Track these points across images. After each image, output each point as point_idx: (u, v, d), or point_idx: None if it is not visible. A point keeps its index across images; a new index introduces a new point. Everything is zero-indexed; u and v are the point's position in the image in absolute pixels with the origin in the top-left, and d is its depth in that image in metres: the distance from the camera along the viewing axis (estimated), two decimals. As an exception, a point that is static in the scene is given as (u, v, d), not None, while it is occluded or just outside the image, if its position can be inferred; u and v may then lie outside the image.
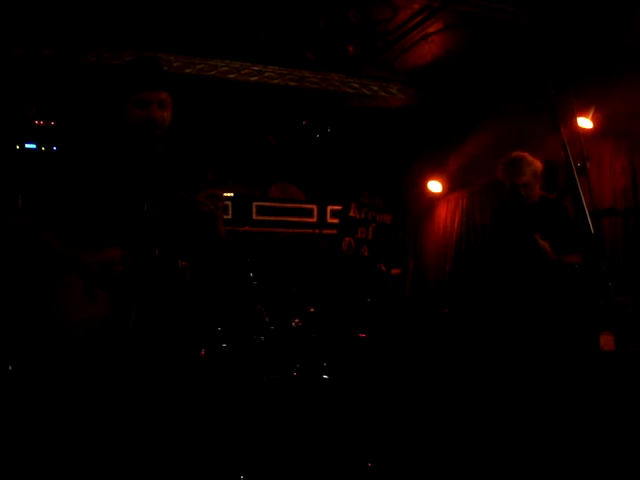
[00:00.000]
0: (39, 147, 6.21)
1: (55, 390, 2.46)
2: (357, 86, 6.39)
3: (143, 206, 2.53)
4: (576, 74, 4.58)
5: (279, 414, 4.22)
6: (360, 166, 7.66)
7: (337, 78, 6.29)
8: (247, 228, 7.15)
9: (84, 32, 5.20)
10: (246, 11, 4.96)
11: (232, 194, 7.03)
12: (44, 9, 4.81)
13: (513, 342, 4.26)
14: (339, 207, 7.59)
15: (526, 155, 4.29)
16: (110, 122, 2.59)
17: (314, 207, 7.58)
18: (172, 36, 5.36)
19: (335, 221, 7.59)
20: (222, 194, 2.56)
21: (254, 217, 7.27)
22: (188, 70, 5.75)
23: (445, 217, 7.39)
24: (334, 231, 7.52)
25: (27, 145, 6.18)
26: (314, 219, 7.55)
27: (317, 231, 7.27)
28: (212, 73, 5.87)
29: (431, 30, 5.22)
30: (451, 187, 7.20)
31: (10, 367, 4.29)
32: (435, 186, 7.28)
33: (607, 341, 3.91)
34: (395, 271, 7.56)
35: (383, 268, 7.47)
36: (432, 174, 7.25)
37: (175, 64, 5.67)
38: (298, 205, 7.59)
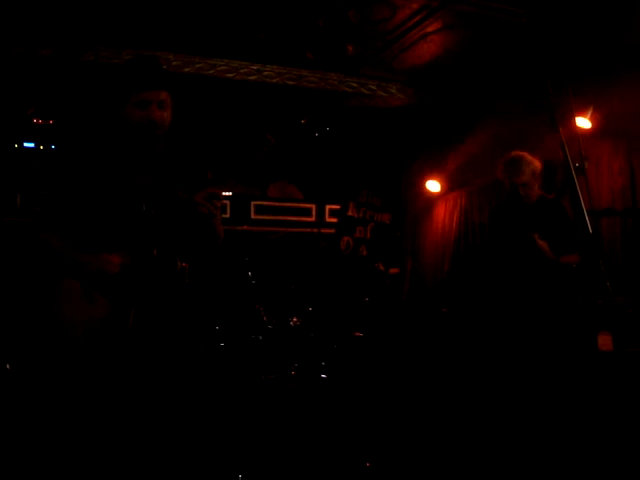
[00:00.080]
0: (37, 146, 6.21)
1: (55, 390, 2.46)
2: (356, 85, 6.39)
3: (142, 206, 2.53)
4: (575, 74, 4.58)
5: (277, 413, 4.22)
6: (359, 165, 7.66)
7: (336, 77, 6.29)
8: (245, 227, 7.15)
9: (82, 31, 5.19)
10: (245, 10, 4.96)
11: (230, 193, 7.02)
12: (42, 8, 4.81)
13: (511, 342, 4.26)
14: (337, 206, 7.59)
15: (525, 154, 4.30)
16: (109, 122, 2.58)
17: (312, 206, 7.57)
18: (171, 35, 5.35)
19: (333, 220, 7.59)
20: (221, 193, 2.56)
21: (252, 216, 7.26)
22: (187, 69, 5.75)
23: (443, 217, 7.39)
24: (332, 230, 7.52)
25: (25, 144, 6.18)
26: (312, 218, 7.54)
27: (315, 230, 7.26)
28: (211, 72, 5.87)
29: (430, 30, 5.21)
30: (450, 187, 7.21)
31: (8, 366, 4.29)
32: (434, 185, 7.28)
33: (605, 341, 3.91)
34: (393, 270, 7.56)
35: (381, 267, 7.47)
36: (431, 173, 7.25)
37: (174, 63, 5.66)
38: (296, 204, 7.58)
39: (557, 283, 4.25)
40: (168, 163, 2.64)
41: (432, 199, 7.51)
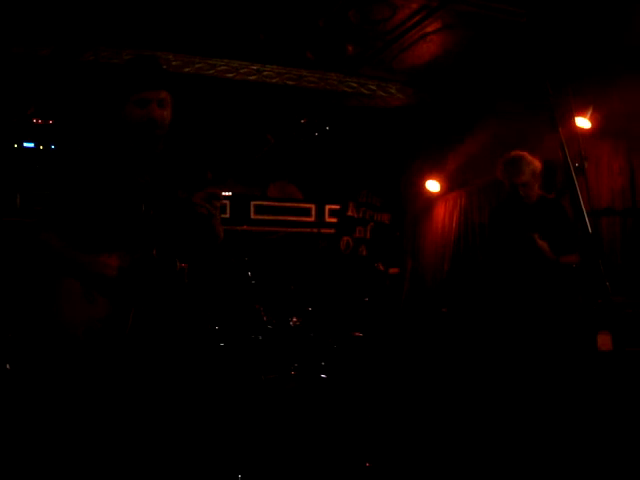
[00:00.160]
0: (37, 146, 6.21)
1: (55, 389, 2.46)
2: (355, 85, 6.39)
3: (141, 206, 2.53)
4: (574, 74, 4.58)
5: (277, 413, 4.22)
6: (358, 165, 7.66)
7: (335, 77, 6.29)
8: (245, 227, 7.15)
9: (82, 31, 5.20)
10: (245, 10, 4.96)
11: (230, 193, 7.02)
12: (42, 8, 4.81)
13: (511, 342, 4.26)
14: (337, 206, 7.59)
15: (525, 154, 4.30)
16: (110, 121, 2.58)
17: (312, 206, 7.57)
18: (171, 35, 5.35)
19: (333, 220, 7.59)
20: (220, 193, 2.56)
21: (252, 216, 7.26)
22: (187, 69, 5.75)
23: (443, 217, 7.39)
24: (332, 230, 7.52)
25: (25, 144, 6.18)
26: (312, 218, 7.54)
27: (315, 230, 7.26)
28: (211, 72, 5.87)
29: (430, 30, 5.21)
30: (449, 187, 7.21)
31: (8, 366, 4.29)
32: (433, 185, 7.29)
33: (605, 341, 3.92)
34: (393, 270, 7.56)
35: (381, 267, 7.47)
36: (430, 173, 7.25)
37: (174, 63, 5.66)
38: (296, 204, 7.58)
39: (557, 283, 4.25)
40: (168, 163, 2.64)
41: (432, 199, 7.51)
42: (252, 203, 7.28)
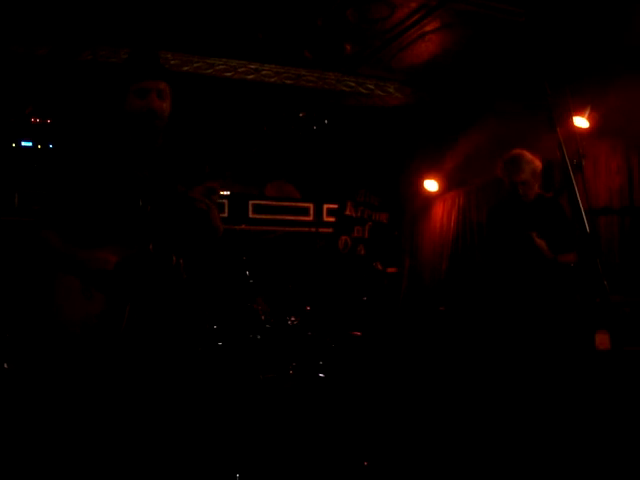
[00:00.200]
0: (35, 145, 6.20)
1: (53, 386, 2.46)
2: (353, 85, 6.39)
3: (139, 201, 2.53)
4: (572, 73, 4.58)
5: (275, 413, 4.21)
6: (356, 165, 7.66)
7: (333, 77, 6.29)
8: (243, 226, 7.15)
9: (80, 30, 5.19)
10: (244, 10, 4.96)
11: (228, 192, 7.02)
12: (40, 7, 4.80)
13: (509, 340, 4.27)
14: (335, 206, 7.59)
15: (526, 153, 4.29)
16: (111, 115, 2.60)
17: (310, 205, 7.57)
18: (170, 34, 5.35)
19: (331, 220, 7.59)
20: (219, 187, 2.57)
21: (250, 215, 7.27)
22: (185, 68, 5.75)
23: (441, 216, 7.39)
24: (330, 230, 7.53)
25: (23, 143, 6.17)
26: (310, 218, 7.54)
27: (313, 230, 7.25)
28: (209, 71, 5.87)
29: (428, 29, 5.21)
30: (447, 186, 7.21)
31: (5, 365, 4.28)
32: (431, 185, 7.29)
33: (603, 340, 3.92)
34: (391, 270, 7.57)
35: (379, 267, 7.48)
36: (428, 173, 7.25)
37: (172, 62, 5.67)
38: (294, 204, 7.58)
39: (555, 282, 4.25)
40: (167, 158, 2.64)
41: (430, 198, 7.51)
42: (250, 202, 7.28)
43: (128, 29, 5.20)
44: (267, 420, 4.14)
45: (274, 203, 7.46)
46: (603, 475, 3.39)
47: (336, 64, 6.11)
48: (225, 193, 6.89)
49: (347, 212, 7.58)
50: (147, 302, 2.51)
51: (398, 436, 4.43)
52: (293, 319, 5.29)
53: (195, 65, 5.80)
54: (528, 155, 4.28)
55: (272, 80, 6.09)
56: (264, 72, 6.05)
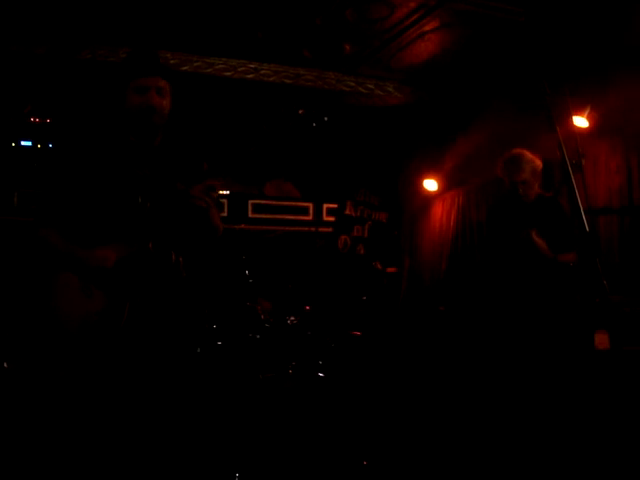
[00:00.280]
0: (34, 144, 6.20)
1: (52, 384, 2.46)
2: (353, 84, 6.39)
3: (138, 198, 2.54)
4: (572, 73, 4.58)
5: (274, 412, 4.22)
6: (356, 164, 7.66)
7: (333, 76, 6.29)
8: (243, 226, 7.15)
9: (79, 29, 5.19)
10: (243, 9, 4.95)
11: (228, 192, 7.02)
12: (39, 6, 4.80)
13: (509, 340, 4.27)
14: (335, 205, 7.60)
15: (526, 152, 4.29)
16: (110, 113, 2.60)
17: (310, 205, 7.58)
18: (169, 33, 5.35)
19: (331, 219, 7.60)
20: (218, 185, 2.57)
21: (250, 215, 7.27)
22: (185, 67, 5.75)
23: (441, 215, 7.39)
24: (330, 229, 7.53)
25: (22, 142, 6.18)
26: (310, 217, 7.54)
27: (313, 229, 7.26)
28: (209, 71, 5.87)
29: (427, 28, 5.21)
30: (447, 185, 7.21)
31: (5, 364, 4.28)
32: (431, 184, 7.28)
33: (602, 340, 3.92)
34: (391, 269, 7.57)
35: (379, 266, 7.48)
36: (428, 172, 7.25)
37: (172, 61, 5.67)
38: (294, 203, 7.58)
39: (554, 281, 4.25)
40: (167, 156, 2.65)
41: (429, 198, 7.51)
42: (250, 202, 7.28)
43: (127, 28, 5.20)
44: (267, 420, 4.14)
45: (274, 203, 7.46)
46: (603, 475, 3.39)
47: (335, 64, 6.11)
48: (225, 192, 6.89)
49: (347, 211, 7.58)
50: (147, 300, 2.51)
51: (398, 436, 4.43)
52: (293, 319, 5.30)
53: (195, 64, 5.80)
54: (528, 155, 4.28)
55: (271, 79, 6.09)
56: (263, 71, 6.05)
